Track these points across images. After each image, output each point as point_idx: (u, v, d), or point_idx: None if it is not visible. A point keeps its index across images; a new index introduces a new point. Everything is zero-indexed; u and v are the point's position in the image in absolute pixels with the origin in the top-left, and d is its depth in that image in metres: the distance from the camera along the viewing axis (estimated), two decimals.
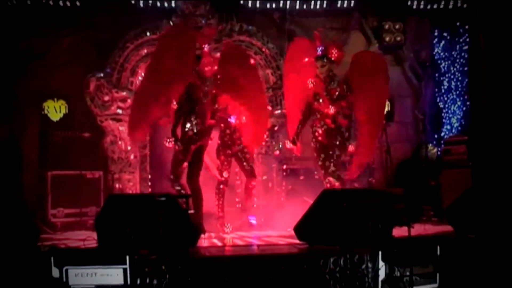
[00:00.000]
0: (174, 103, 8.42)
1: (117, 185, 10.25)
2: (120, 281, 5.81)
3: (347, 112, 8.53)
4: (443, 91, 11.77)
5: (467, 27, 11.19)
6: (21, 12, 10.33)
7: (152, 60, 8.91)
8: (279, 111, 10.33)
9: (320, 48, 8.61)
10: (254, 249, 7.10)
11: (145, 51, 10.34)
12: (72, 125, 10.47)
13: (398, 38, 11.38)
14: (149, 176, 10.51)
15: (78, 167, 9.86)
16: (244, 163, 8.92)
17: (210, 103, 8.67)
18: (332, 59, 8.57)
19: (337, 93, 8.49)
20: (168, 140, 8.42)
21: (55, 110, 10.75)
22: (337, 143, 8.47)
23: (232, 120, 8.76)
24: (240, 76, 8.62)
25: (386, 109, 11.39)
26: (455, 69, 11.56)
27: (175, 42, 8.48)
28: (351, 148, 8.60)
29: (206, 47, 8.81)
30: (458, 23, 11.43)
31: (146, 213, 6.00)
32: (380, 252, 6.15)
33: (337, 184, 8.36)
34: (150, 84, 8.46)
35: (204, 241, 7.54)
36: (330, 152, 8.47)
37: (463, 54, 11.37)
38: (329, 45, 8.66)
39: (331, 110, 8.39)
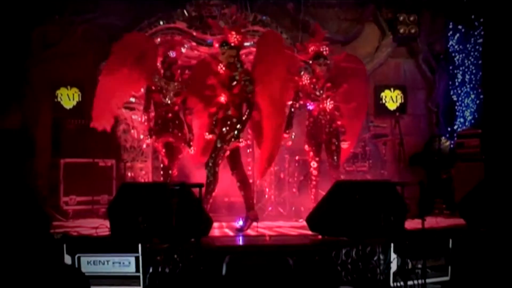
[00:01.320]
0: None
1: (129, 174, 10.31)
2: (132, 269, 5.86)
3: (236, 101, 7.69)
4: (456, 84, 11.71)
5: (482, 20, 11.12)
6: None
7: (108, 65, 8.84)
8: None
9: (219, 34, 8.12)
10: (266, 239, 7.11)
11: (159, 40, 10.17)
12: (85, 113, 10.40)
13: (413, 30, 11.39)
14: (161, 165, 10.48)
15: (90, 155, 9.92)
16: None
17: (180, 103, 8.48)
18: (232, 44, 7.79)
19: (234, 82, 7.70)
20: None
21: (68, 98, 10.78)
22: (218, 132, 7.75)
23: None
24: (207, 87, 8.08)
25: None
26: (469, 62, 11.49)
27: (132, 51, 8.55)
28: (239, 143, 7.68)
29: (171, 53, 8.52)
30: (473, 16, 11.35)
31: (159, 202, 6.00)
32: (392, 244, 6.16)
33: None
34: (108, 83, 8.58)
35: (216, 231, 7.57)
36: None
37: (477, 47, 11.29)
38: (227, 31, 7.94)
39: (222, 99, 7.72)
